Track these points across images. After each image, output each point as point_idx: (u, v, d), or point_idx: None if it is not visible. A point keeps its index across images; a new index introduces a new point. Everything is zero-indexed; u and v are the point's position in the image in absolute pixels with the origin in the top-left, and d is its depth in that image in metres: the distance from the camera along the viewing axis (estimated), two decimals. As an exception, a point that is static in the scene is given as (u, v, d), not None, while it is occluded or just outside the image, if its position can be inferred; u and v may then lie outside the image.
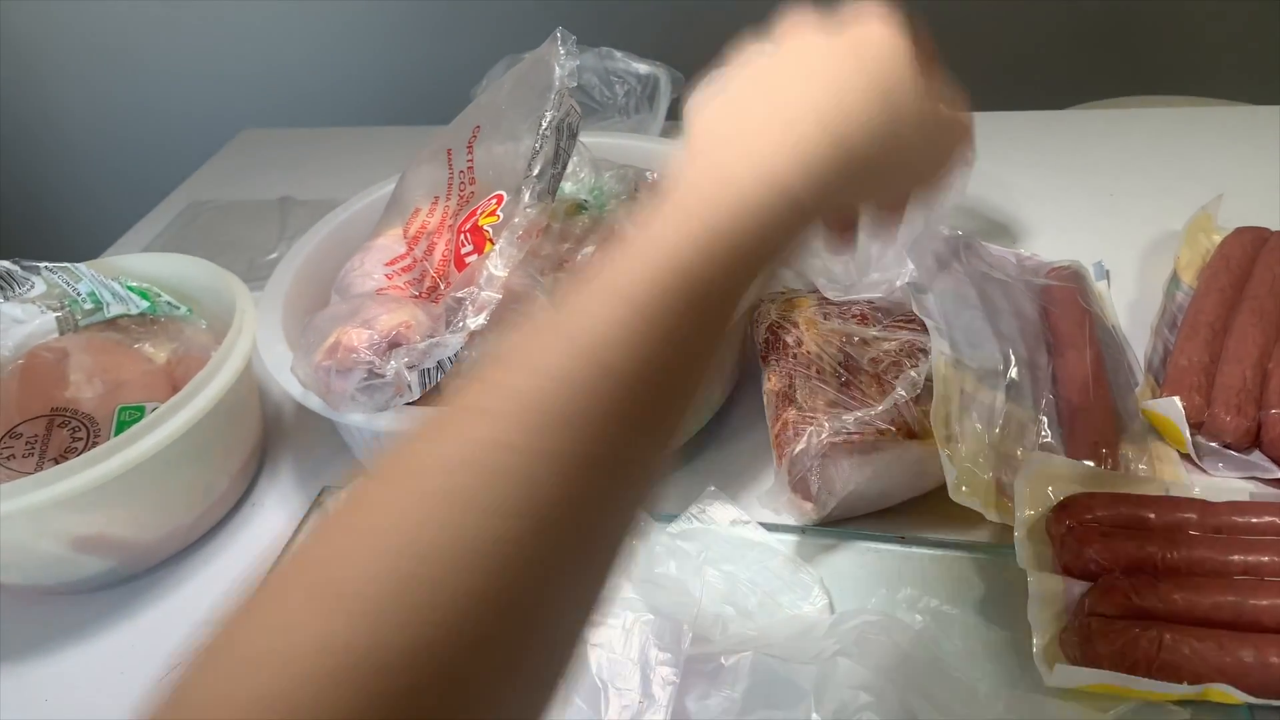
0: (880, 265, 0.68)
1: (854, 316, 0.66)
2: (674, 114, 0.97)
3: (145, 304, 0.73)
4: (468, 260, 0.58)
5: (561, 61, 0.58)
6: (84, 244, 0.96)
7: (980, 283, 0.68)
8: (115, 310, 0.72)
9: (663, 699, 0.48)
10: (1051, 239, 0.80)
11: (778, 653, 0.49)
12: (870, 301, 0.67)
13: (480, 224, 0.57)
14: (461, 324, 0.53)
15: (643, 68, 0.96)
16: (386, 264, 0.62)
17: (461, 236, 0.59)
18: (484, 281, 0.54)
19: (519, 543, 0.27)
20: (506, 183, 0.60)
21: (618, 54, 0.98)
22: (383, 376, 0.51)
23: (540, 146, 0.57)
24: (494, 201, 0.59)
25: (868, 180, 0.38)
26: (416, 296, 0.60)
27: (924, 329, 0.64)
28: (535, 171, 0.57)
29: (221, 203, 1.07)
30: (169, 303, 0.75)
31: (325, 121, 1.24)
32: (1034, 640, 0.51)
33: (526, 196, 0.56)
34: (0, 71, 1.55)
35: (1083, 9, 1.25)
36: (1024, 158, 0.90)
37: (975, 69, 0.81)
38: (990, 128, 0.70)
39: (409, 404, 0.54)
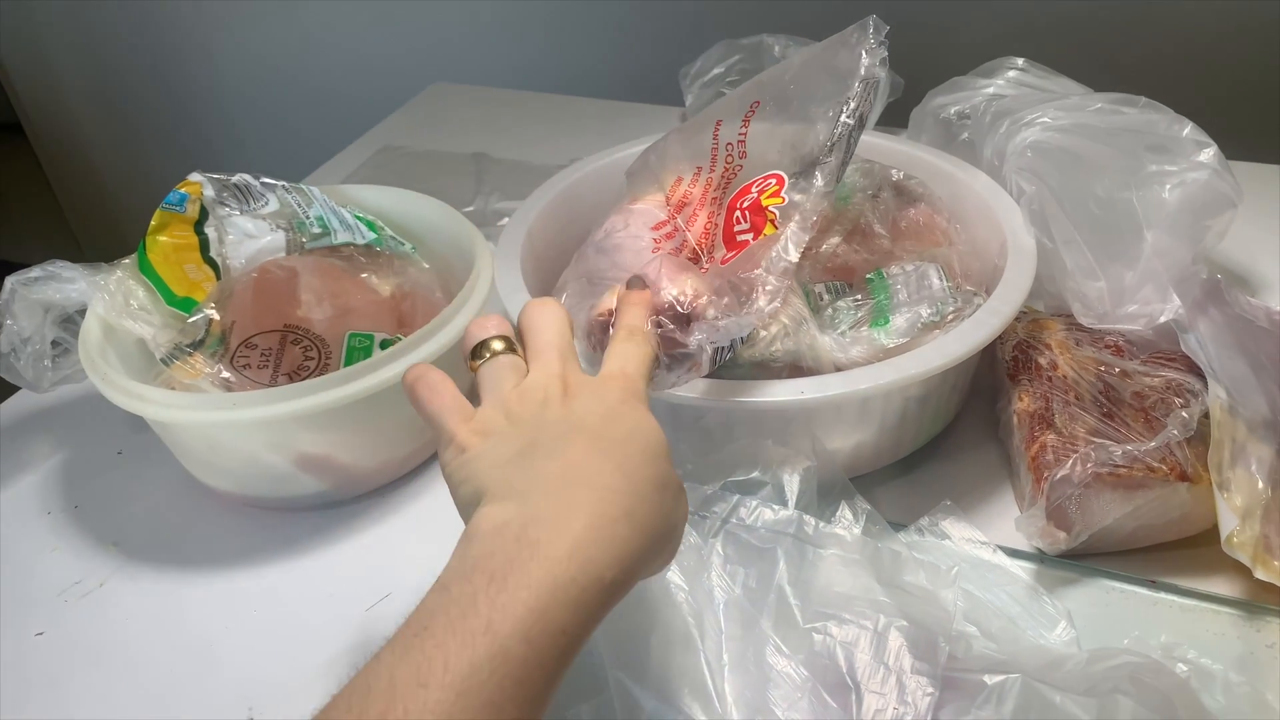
0: (1138, 298, 0.65)
1: (1107, 347, 0.63)
2: (884, 119, 0.95)
3: (372, 235, 0.73)
4: (740, 238, 0.57)
5: (871, 49, 0.56)
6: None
7: (1241, 330, 0.64)
8: (342, 238, 0.72)
9: (922, 708, 0.46)
10: (1295, 298, 0.76)
11: (1044, 680, 0.47)
12: (1123, 333, 0.64)
13: (763, 203, 0.56)
14: (755, 306, 0.52)
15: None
16: (652, 228, 0.61)
17: (737, 213, 0.57)
18: (772, 264, 0.53)
19: None
20: (785, 164, 0.59)
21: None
22: (685, 348, 0.49)
23: (839, 133, 0.56)
24: (774, 181, 0.57)
25: (654, 561, 0.41)
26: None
27: (1188, 369, 0.61)
28: (831, 158, 0.55)
29: (415, 150, 1.08)
30: (394, 237, 0.75)
31: (510, 84, 1.24)
32: (1311, 711, 0.48)
33: (820, 182, 0.54)
34: (199, 7, 1.59)
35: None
36: (1266, 210, 0.86)
37: (1218, 116, 0.78)
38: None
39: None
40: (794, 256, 0.53)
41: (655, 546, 0.40)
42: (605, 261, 0.60)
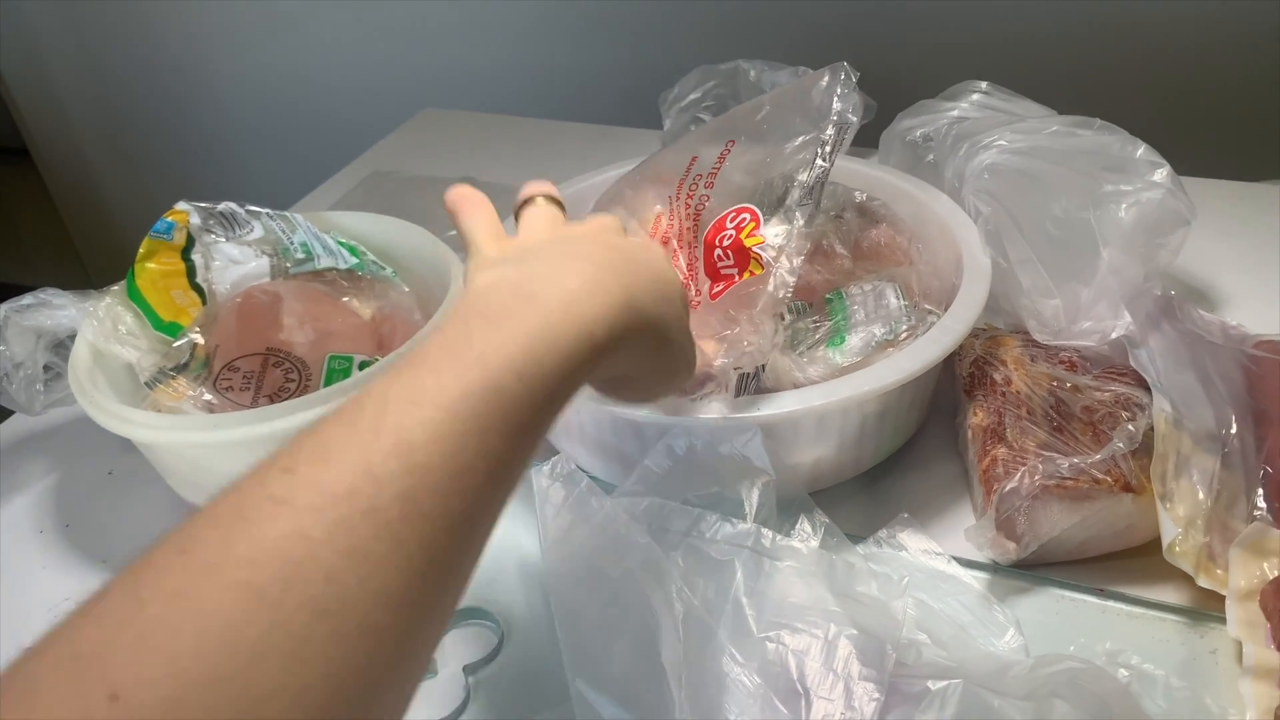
0: (1092, 314, 0.67)
1: (1061, 362, 0.65)
2: (857, 140, 0.97)
3: (354, 260, 0.76)
4: (724, 273, 0.59)
5: (842, 95, 0.59)
6: (261, 204, 0.99)
7: (1192, 345, 0.66)
8: (325, 263, 0.75)
9: (868, 713, 0.48)
10: (1254, 311, 0.78)
11: (986, 685, 0.49)
12: (1077, 349, 0.66)
13: (745, 244, 0.58)
14: (765, 335, 0.55)
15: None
16: None
17: (717, 251, 0.60)
18: (766, 307, 0.56)
19: (326, 640, 0.27)
20: (753, 193, 0.61)
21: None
22: (709, 368, 0.54)
23: (817, 176, 0.58)
24: (748, 217, 0.60)
25: (643, 352, 0.43)
26: None
27: (1137, 383, 0.63)
28: (812, 198, 0.58)
29: (402, 175, 1.10)
30: (375, 262, 0.77)
31: (499, 109, 1.27)
32: (1247, 715, 0.49)
33: (801, 221, 0.57)
34: (188, 31, 1.63)
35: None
36: (1222, 227, 0.88)
37: (1174, 134, 0.80)
38: (1188, 194, 0.70)
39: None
40: (783, 294, 0.56)
41: (652, 335, 0.43)
42: None
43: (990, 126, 0.75)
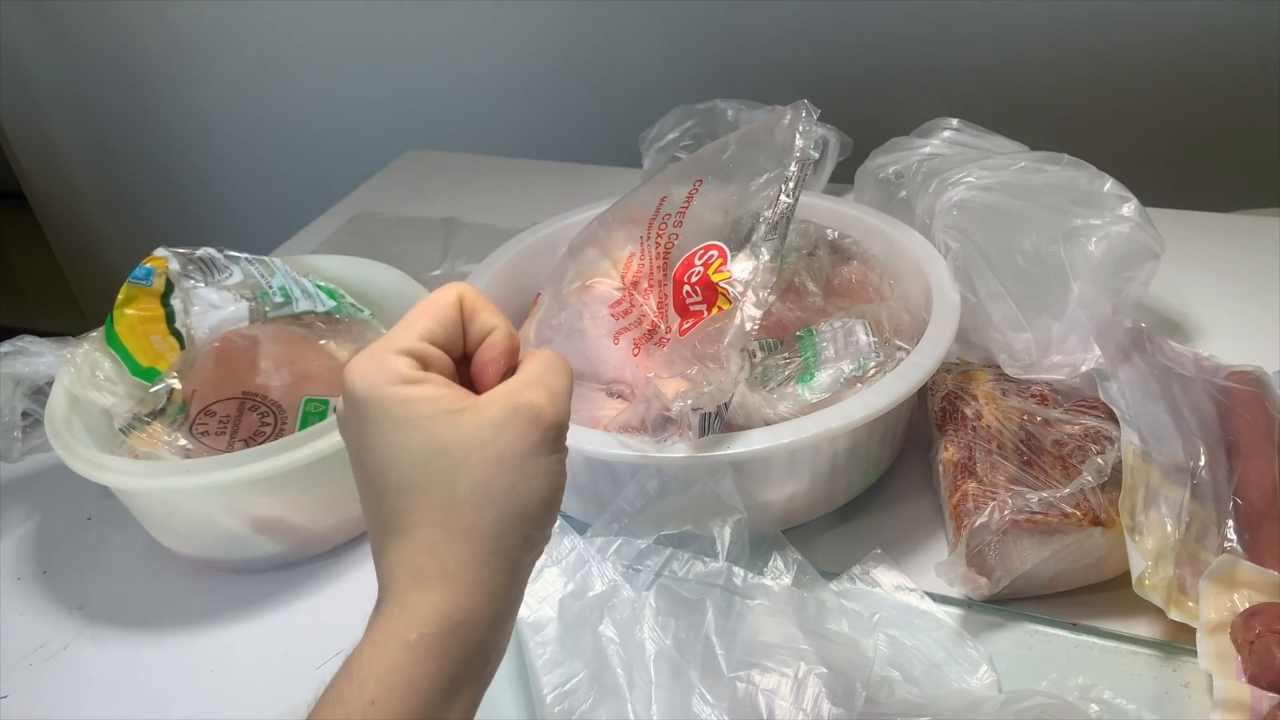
0: (1063, 348, 0.67)
1: (1033, 396, 0.65)
2: (837, 176, 0.98)
3: (332, 303, 0.76)
4: (693, 309, 0.60)
5: (804, 131, 0.60)
6: (249, 246, 1.01)
7: (1163, 377, 0.67)
8: (303, 306, 0.76)
9: (836, 753, 0.48)
10: (1226, 342, 0.78)
11: (955, 723, 0.49)
12: (1049, 383, 0.67)
13: (712, 279, 0.59)
14: (730, 374, 0.56)
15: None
16: (610, 308, 0.64)
17: (686, 288, 0.60)
18: (733, 341, 0.56)
19: None
20: (720, 230, 0.62)
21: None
22: (667, 411, 0.54)
23: (781, 211, 0.59)
24: (715, 254, 0.60)
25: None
26: (637, 340, 0.62)
27: (1108, 416, 0.63)
28: (777, 232, 0.59)
29: (386, 217, 1.11)
30: (353, 304, 0.78)
31: (484, 150, 1.28)
32: (1218, 748, 0.49)
33: (767, 256, 0.58)
34: (180, 79, 1.66)
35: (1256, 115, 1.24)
36: (1194, 258, 0.88)
37: (1144, 168, 0.81)
38: (1161, 225, 0.70)
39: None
40: (751, 328, 0.56)
41: None
42: (570, 349, 0.63)
43: (960, 163, 0.75)
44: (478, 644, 0.38)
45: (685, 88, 1.13)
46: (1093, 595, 0.59)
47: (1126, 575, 0.57)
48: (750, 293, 0.58)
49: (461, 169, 1.22)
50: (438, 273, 0.98)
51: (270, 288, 0.76)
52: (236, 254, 0.77)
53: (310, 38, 1.54)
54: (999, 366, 0.69)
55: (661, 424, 0.56)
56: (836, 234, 0.74)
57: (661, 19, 1.34)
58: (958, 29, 1.25)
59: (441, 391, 0.38)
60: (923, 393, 0.68)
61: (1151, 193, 0.74)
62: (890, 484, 0.69)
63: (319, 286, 0.78)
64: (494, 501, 0.37)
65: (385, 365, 0.38)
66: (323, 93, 1.56)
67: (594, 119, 1.37)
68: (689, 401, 0.55)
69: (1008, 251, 0.70)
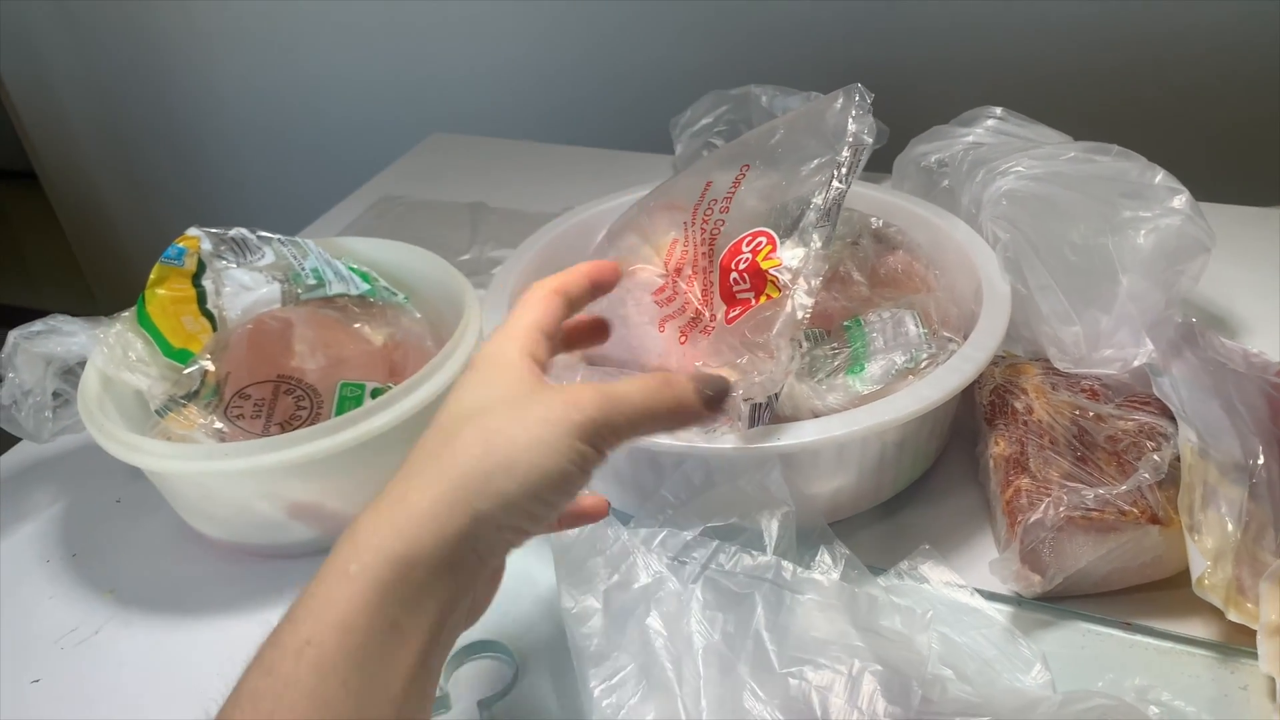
0: (1113, 342, 0.66)
1: (1083, 390, 0.64)
2: (870, 165, 0.96)
3: (366, 286, 0.75)
4: (740, 297, 0.58)
5: (857, 116, 0.59)
6: (265, 229, 0.99)
7: (1215, 373, 0.65)
8: (336, 289, 0.74)
9: (894, 753, 0.47)
10: (1275, 339, 0.77)
11: (1016, 723, 0.48)
12: (1098, 378, 0.65)
13: (761, 266, 0.57)
14: (780, 362, 0.54)
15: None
16: (654, 295, 0.63)
17: (733, 275, 0.59)
18: (784, 330, 0.55)
19: None
20: (767, 215, 0.60)
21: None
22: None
23: (834, 198, 0.58)
24: (764, 240, 0.59)
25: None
26: (683, 328, 0.61)
27: (1161, 412, 0.62)
28: (829, 220, 0.57)
29: (412, 200, 1.10)
30: (387, 288, 0.77)
31: (509, 134, 1.27)
32: (1283, 753, 0.48)
33: (819, 243, 0.56)
34: (195, 57, 1.64)
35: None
36: (1240, 253, 0.87)
37: (1193, 160, 0.80)
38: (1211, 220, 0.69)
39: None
40: (802, 316, 0.55)
41: None
42: (612, 336, 0.62)
43: (1007, 152, 0.74)
44: (420, 585, 0.36)
45: (711, 73, 1.11)
46: (1145, 594, 0.58)
47: (1180, 574, 0.56)
48: (801, 281, 0.57)
49: (487, 154, 1.21)
50: (466, 257, 0.97)
51: (303, 269, 0.74)
52: (269, 235, 0.76)
53: (329, 16, 1.52)
54: (1046, 360, 0.68)
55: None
56: (881, 222, 0.72)
57: (688, 3, 1.32)
58: (989, 17, 1.23)
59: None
60: (968, 387, 0.67)
61: (1198, 187, 0.73)
62: (934, 478, 0.68)
63: (352, 269, 0.76)
64: (503, 462, 0.38)
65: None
66: (341, 73, 1.54)
67: (618, 104, 1.35)
68: (740, 391, 0.54)
69: (1056, 243, 0.69)
